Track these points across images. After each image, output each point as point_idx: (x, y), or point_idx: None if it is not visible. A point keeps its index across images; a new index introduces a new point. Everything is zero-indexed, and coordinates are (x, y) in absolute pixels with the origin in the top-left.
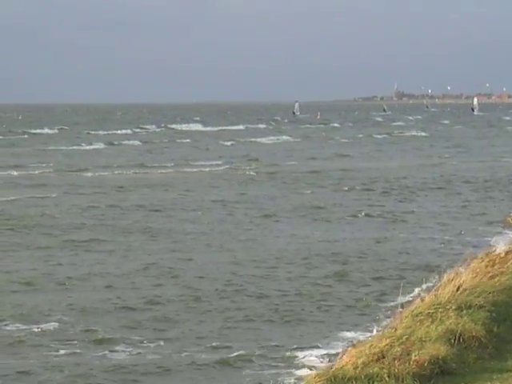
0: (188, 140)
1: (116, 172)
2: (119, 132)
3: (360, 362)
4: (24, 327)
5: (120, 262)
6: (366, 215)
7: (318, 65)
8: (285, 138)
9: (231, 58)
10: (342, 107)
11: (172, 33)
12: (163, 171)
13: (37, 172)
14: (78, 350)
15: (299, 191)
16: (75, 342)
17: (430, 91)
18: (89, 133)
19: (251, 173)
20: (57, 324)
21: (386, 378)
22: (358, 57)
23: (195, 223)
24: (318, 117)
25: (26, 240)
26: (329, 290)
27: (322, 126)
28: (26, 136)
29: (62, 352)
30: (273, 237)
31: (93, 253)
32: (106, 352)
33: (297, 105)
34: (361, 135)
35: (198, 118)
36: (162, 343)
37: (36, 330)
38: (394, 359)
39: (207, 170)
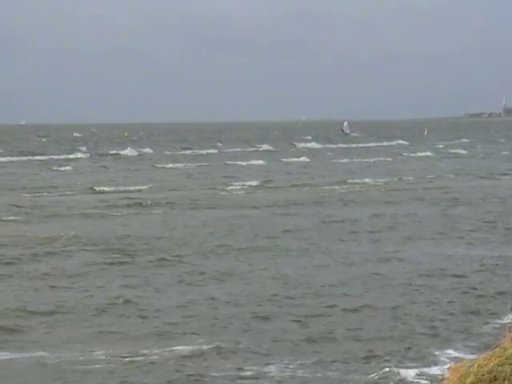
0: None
1: None
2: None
3: (468, 381)
4: None
5: None
6: None
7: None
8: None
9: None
10: (450, 124)
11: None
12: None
13: None
14: None
15: None
16: None
17: None
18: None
19: None
20: None
21: None
22: (463, 72)
23: None
24: (426, 133)
25: None
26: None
27: None
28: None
29: None
30: None
31: None
32: None
33: (346, 123)
34: None
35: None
36: None
37: None
38: (504, 379)
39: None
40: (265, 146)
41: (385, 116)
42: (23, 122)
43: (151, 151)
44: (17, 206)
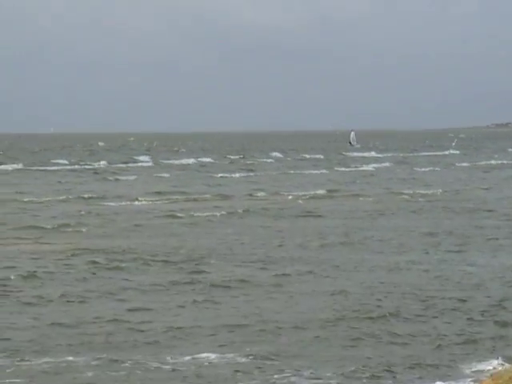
0: None
1: None
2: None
3: None
4: None
5: None
6: None
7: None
8: None
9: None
10: (480, 134)
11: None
12: None
13: None
14: None
15: None
16: None
17: None
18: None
19: None
20: None
21: None
22: (488, 82)
23: None
24: (454, 144)
25: None
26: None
27: None
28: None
29: None
30: None
31: None
32: None
33: (352, 134)
34: None
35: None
36: None
37: None
38: None
39: None
40: (318, 156)
41: (392, 126)
42: (52, 131)
43: (211, 160)
44: (74, 216)
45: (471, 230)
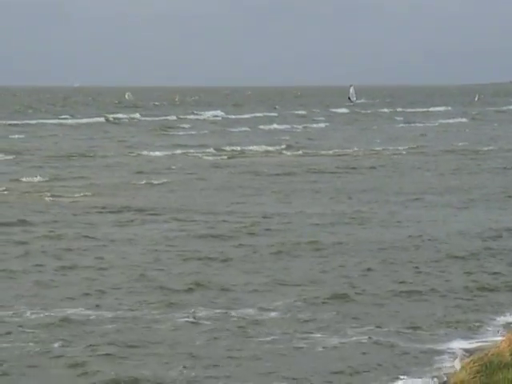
0: None
1: None
2: None
3: None
4: None
5: None
6: None
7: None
8: None
9: None
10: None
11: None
12: None
13: None
14: None
15: None
16: None
17: None
18: None
19: None
20: None
21: None
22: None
23: None
24: (476, 99)
25: None
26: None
27: None
28: None
29: None
30: None
31: None
32: None
33: (352, 89)
34: None
35: None
36: None
37: None
38: None
39: None
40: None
41: (391, 81)
42: (77, 85)
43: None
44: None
45: None
